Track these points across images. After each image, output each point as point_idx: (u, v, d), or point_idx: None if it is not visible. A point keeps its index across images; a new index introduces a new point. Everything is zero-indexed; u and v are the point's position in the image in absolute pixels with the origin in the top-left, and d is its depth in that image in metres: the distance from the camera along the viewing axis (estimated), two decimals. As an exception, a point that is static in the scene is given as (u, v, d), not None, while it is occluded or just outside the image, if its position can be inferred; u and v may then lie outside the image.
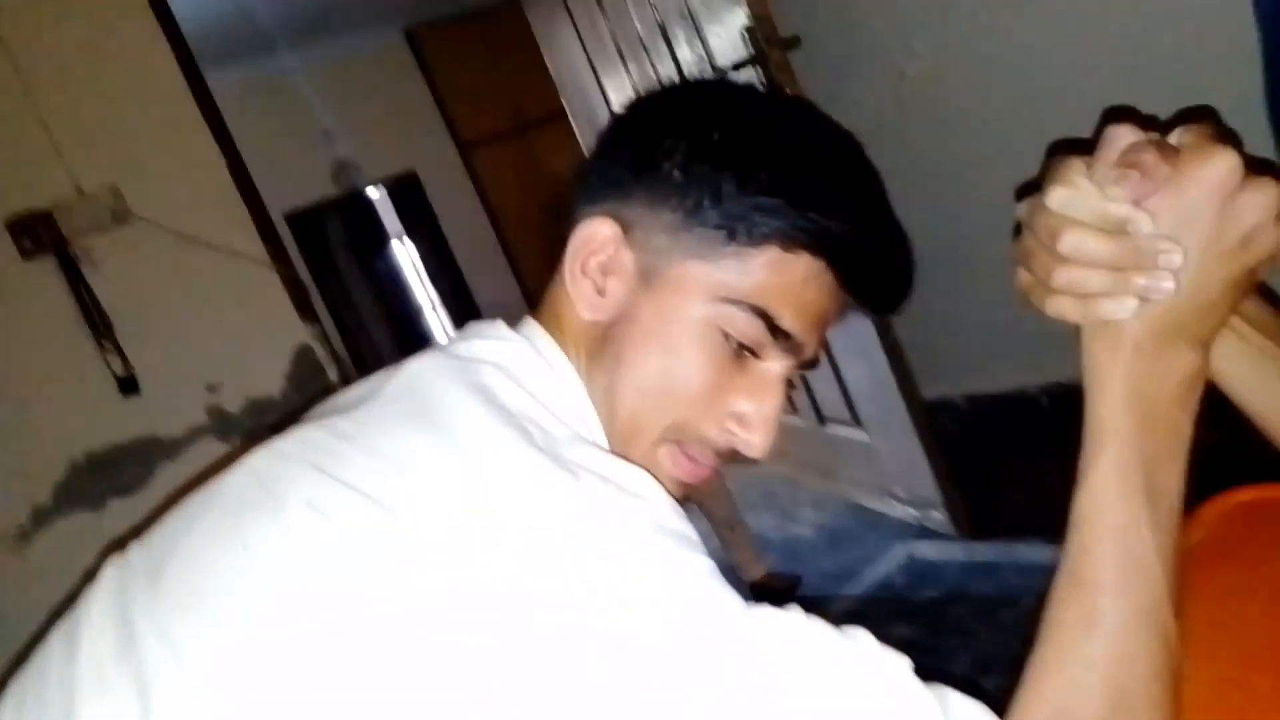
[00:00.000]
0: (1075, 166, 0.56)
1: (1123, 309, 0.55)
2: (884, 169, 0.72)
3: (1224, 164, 0.52)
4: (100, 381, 1.99)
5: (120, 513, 1.97)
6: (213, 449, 2.07)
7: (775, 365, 0.68)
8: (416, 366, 0.66)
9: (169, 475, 2.02)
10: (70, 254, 1.98)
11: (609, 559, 0.53)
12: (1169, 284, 0.53)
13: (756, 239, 0.65)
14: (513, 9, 3.60)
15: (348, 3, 4.53)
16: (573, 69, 3.29)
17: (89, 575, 0.65)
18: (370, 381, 0.69)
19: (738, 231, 0.65)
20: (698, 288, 0.65)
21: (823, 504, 2.95)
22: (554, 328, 0.71)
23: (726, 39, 2.34)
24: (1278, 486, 0.77)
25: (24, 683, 0.62)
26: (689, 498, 0.69)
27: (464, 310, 5.40)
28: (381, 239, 5.59)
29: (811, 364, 0.71)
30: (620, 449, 0.67)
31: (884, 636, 0.56)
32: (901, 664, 0.54)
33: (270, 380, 2.15)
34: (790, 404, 2.95)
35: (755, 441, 0.68)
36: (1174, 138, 0.56)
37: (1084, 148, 0.57)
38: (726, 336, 0.66)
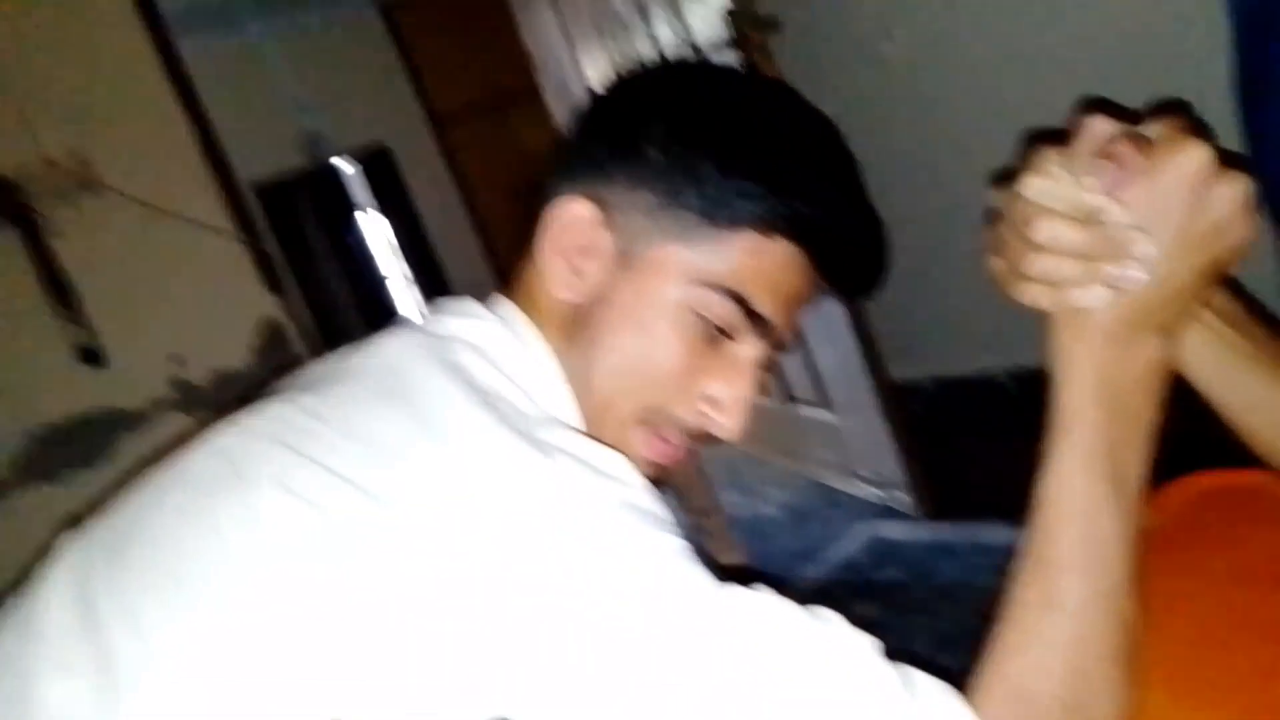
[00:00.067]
0: (1051, 156, 0.56)
1: (1094, 297, 0.56)
2: (860, 154, 0.72)
3: (1196, 157, 0.53)
4: (62, 352, 1.97)
5: (81, 485, 1.95)
6: (176, 422, 2.05)
7: (749, 349, 0.68)
8: (389, 343, 0.65)
9: (131, 447, 2.00)
10: (34, 223, 1.95)
11: (583, 539, 0.54)
12: (1140, 274, 0.54)
13: (735, 223, 0.65)
14: (489, -19, 3.56)
15: (321, -29, 4.47)
16: (549, 45, 3.26)
17: (44, 552, 0.63)
18: (339, 357, 0.68)
19: (716, 215, 0.65)
20: (674, 270, 0.66)
21: (789, 483, 2.97)
22: (528, 306, 0.70)
23: (706, 19, 2.33)
24: (1237, 472, 0.79)
25: None
26: (663, 482, 0.69)
27: (434, 285, 5.35)
28: (352, 212, 5.53)
29: (785, 347, 0.71)
30: (594, 430, 0.67)
31: (847, 615, 0.57)
32: (868, 644, 0.55)
33: (236, 353, 2.13)
34: (765, 387, 2.96)
35: (728, 424, 0.68)
36: (1147, 130, 0.56)
37: (1059, 138, 0.57)
38: (701, 319, 0.66)
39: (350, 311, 5.38)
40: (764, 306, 0.66)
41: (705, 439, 0.71)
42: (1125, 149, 0.54)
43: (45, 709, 0.54)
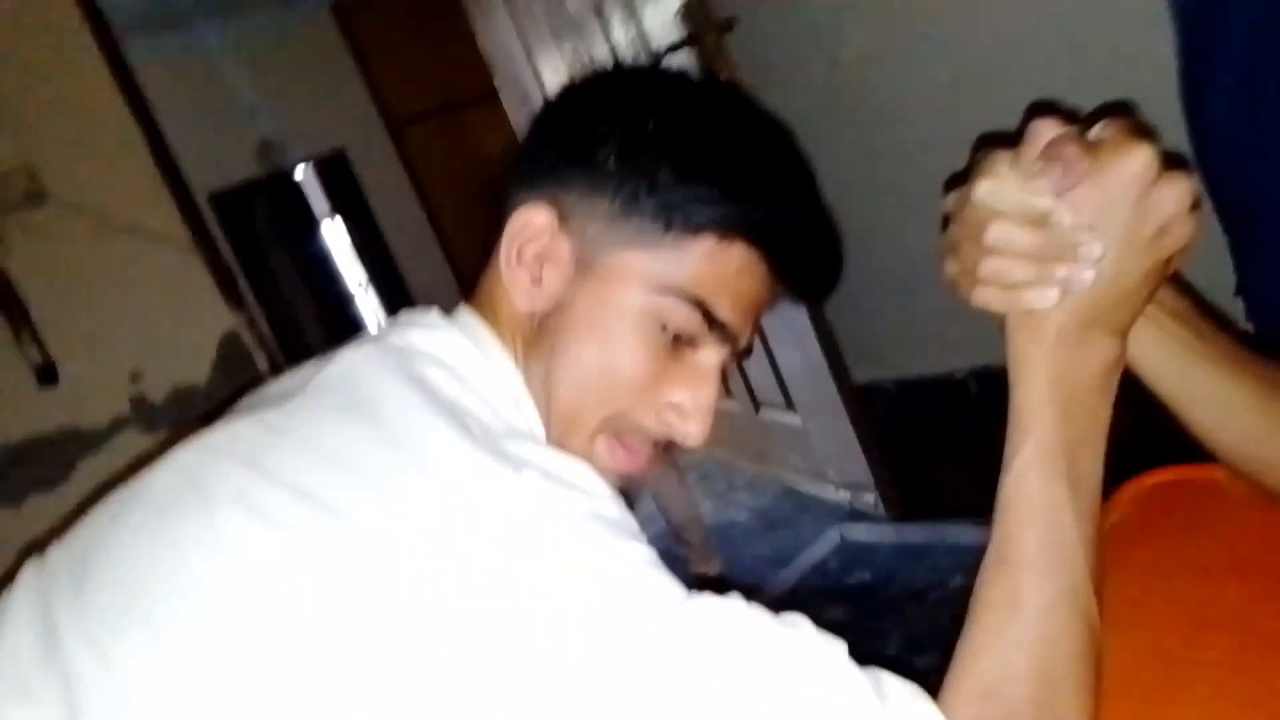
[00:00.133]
0: (1000, 159, 0.57)
1: (1045, 299, 0.56)
2: (816, 154, 0.72)
3: (1141, 158, 0.54)
4: (16, 371, 1.92)
5: (40, 507, 1.90)
6: (136, 440, 2.01)
7: (711, 355, 0.68)
8: (350, 357, 0.65)
9: (91, 468, 1.96)
10: (-18, 238, 1.91)
11: (551, 552, 0.53)
12: (1089, 274, 0.55)
13: (692, 228, 0.65)
14: (444, -15, 3.55)
15: (273, -23, 4.43)
16: (505, 48, 3.25)
17: (5, 578, 0.62)
18: (301, 372, 0.68)
19: (674, 221, 0.65)
20: (635, 278, 0.66)
21: (757, 488, 2.98)
22: (489, 316, 0.70)
23: (661, 20, 2.34)
24: (1190, 468, 0.80)
25: None
26: (630, 490, 0.69)
27: (395, 293, 5.32)
28: (310, 220, 5.48)
29: (746, 353, 0.71)
30: (558, 440, 0.67)
31: (817, 619, 0.57)
32: (838, 649, 0.55)
33: (196, 369, 2.09)
34: (725, 387, 2.98)
35: (692, 431, 0.68)
36: (1094, 132, 0.57)
37: (1009, 141, 0.58)
38: (663, 327, 0.66)
39: (310, 320, 5.33)
40: (724, 312, 0.66)
41: (669, 446, 0.71)
42: (1072, 151, 0.54)
43: None
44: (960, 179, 0.59)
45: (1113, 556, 0.78)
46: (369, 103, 5.21)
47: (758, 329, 0.72)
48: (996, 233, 0.56)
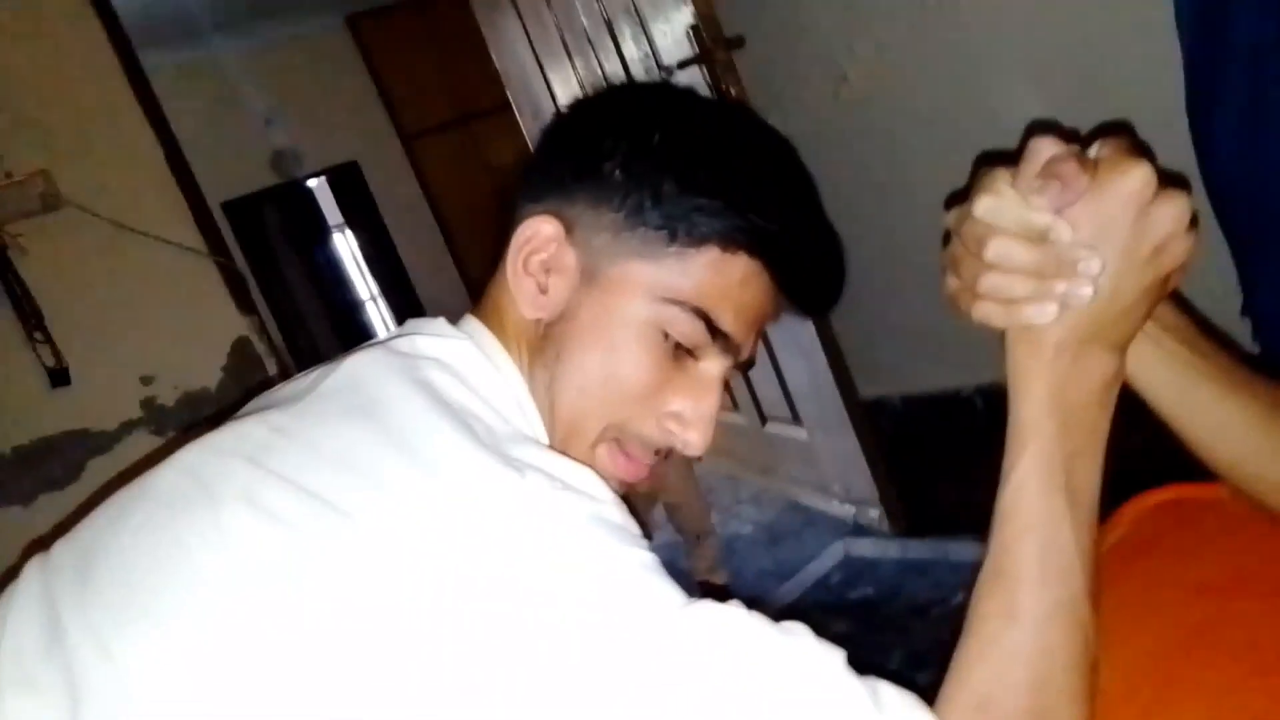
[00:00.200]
0: (1001, 177, 0.58)
1: (1044, 314, 0.57)
2: (825, 170, 0.73)
3: (1139, 177, 0.55)
4: (30, 373, 1.94)
5: (50, 508, 1.92)
6: (146, 443, 2.02)
7: (713, 365, 0.69)
8: (357, 362, 0.66)
9: (101, 469, 1.97)
10: (1, 243, 1.93)
11: (554, 555, 0.54)
12: (1088, 290, 0.56)
13: (697, 240, 0.66)
14: None
15: (290, -12, 4.47)
16: (517, 62, 3.27)
17: (10, 573, 0.63)
18: (309, 376, 0.69)
19: (679, 232, 0.66)
20: (639, 288, 0.66)
21: (763, 501, 2.98)
22: (496, 325, 0.71)
23: (672, 37, 2.35)
24: (1192, 486, 0.81)
25: None
26: (631, 497, 0.70)
27: (405, 303, 5.34)
28: (321, 229, 5.51)
29: (748, 364, 0.72)
30: (561, 446, 0.68)
31: (820, 633, 0.57)
32: (836, 658, 0.56)
33: (206, 373, 2.11)
34: (732, 401, 2.98)
35: (693, 440, 0.69)
36: (1093, 151, 0.58)
37: (1009, 159, 0.59)
38: (666, 336, 0.67)
39: (320, 328, 5.35)
40: (727, 323, 0.67)
41: (671, 455, 0.71)
42: (1071, 169, 0.55)
43: None
44: (961, 196, 0.60)
45: (1114, 573, 0.78)
46: (382, 114, 5.24)
47: (760, 341, 0.72)
48: (996, 249, 0.57)
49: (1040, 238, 0.56)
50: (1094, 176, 0.55)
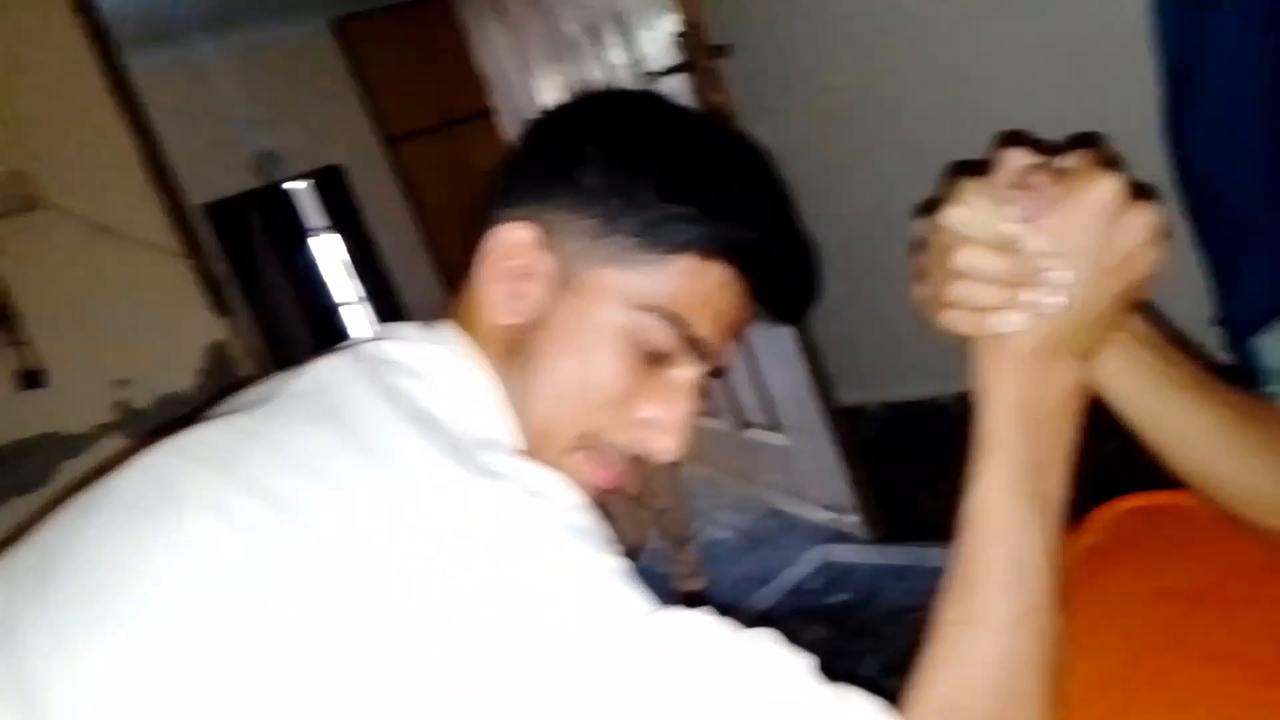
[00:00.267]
0: (971, 186, 0.58)
1: (1013, 323, 0.57)
2: (808, 178, 0.73)
3: (1108, 187, 0.55)
4: (3, 374, 1.93)
5: (21, 511, 1.89)
6: (120, 446, 2.01)
7: (687, 372, 0.69)
8: (324, 366, 0.65)
9: (74, 473, 1.96)
10: (-26, 242, 1.91)
11: (520, 561, 0.54)
12: (1056, 300, 0.56)
13: (672, 247, 0.66)
14: (443, 3, 3.56)
15: (274, -11, 4.45)
16: (502, 67, 3.27)
17: None
18: (274, 381, 0.68)
19: (654, 239, 0.66)
20: (613, 294, 0.66)
21: (742, 507, 2.98)
22: (469, 329, 0.70)
23: (656, 44, 2.36)
24: (1162, 494, 0.81)
25: None
26: (605, 503, 0.70)
27: (388, 307, 5.31)
28: (304, 233, 5.48)
29: (722, 372, 0.72)
30: (535, 453, 0.67)
31: (797, 639, 0.57)
32: (805, 665, 0.56)
33: (182, 376, 2.09)
34: (713, 406, 2.98)
35: (666, 447, 0.69)
36: (1063, 161, 0.58)
37: (980, 168, 0.59)
38: (640, 344, 0.66)
39: (301, 333, 5.32)
40: (701, 330, 0.67)
41: (644, 461, 0.71)
42: (1041, 179, 0.56)
43: None
44: (931, 205, 0.60)
45: (1084, 580, 0.79)
46: (366, 118, 5.22)
47: (741, 347, 0.72)
48: (966, 258, 0.57)
49: (1009, 247, 0.56)
50: (1064, 186, 0.56)
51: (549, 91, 3.00)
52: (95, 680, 0.53)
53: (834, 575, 2.38)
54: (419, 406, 0.61)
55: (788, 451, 2.67)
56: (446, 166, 5.16)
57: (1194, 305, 1.21)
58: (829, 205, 1.99)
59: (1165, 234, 0.57)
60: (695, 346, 0.67)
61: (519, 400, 0.68)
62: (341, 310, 5.57)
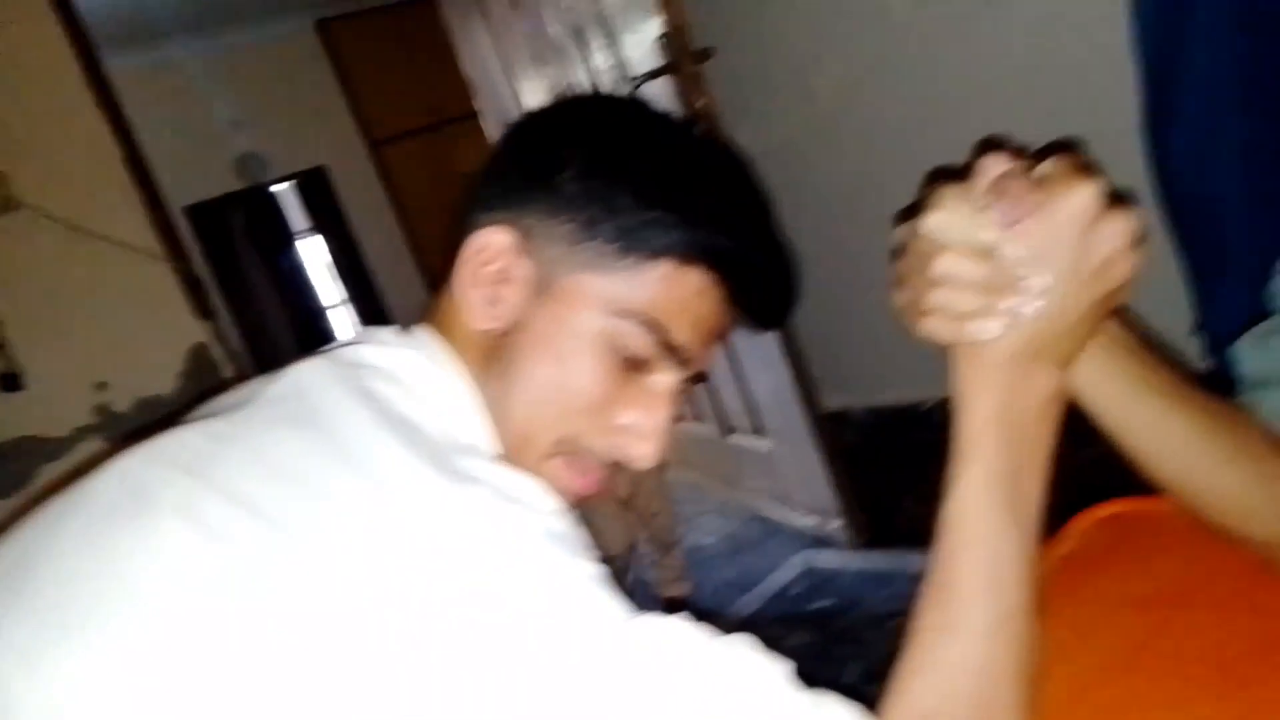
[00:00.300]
0: (950, 192, 0.58)
1: (990, 330, 0.57)
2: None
3: (1085, 194, 0.55)
4: (-21, 377, 1.91)
5: (-2, 514, 1.89)
6: (99, 450, 2.00)
7: (665, 378, 0.69)
8: (302, 371, 0.65)
9: (52, 476, 1.94)
10: (-49, 243, 1.90)
11: (497, 567, 0.53)
12: (1033, 306, 0.56)
13: (651, 253, 0.66)
14: (427, 5, 3.55)
15: (257, -9, 4.43)
16: (486, 70, 3.27)
17: None
18: (252, 385, 0.68)
19: (633, 245, 0.66)
20: (591, 299, 0.66)
21: (725, 512, 2.98)
22: (447, 334, 0.70)
23: (641, 48, 2.36)
24: (1141, 501, 0.82)
25: None
26: (583, 508, 0.69)
27: (371, 310, 5.30)
28: (288, 235, 5.46)
29: (701, 378, 0.72)
30: (512, 458, 0.67)
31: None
32: (781, 670, 0.56)
33: (162, 379, 2.08)
34: (696, 412, 2.98)
35: (645, 453, 0.69)
36: (1042, 168, 0.58)
37: (959, 174, 0.59)
38: (618, 349, 0.66)
39: (286, 336, 5.29)
40: (679, 336, 0.67)
41: (623, 467, 0.71)
42: (1019, 186, 0.56)
43: None
44: (911, 211, 0.60)
45: (1063, 586, 0.79)
46: (350, 119, 5.21)
47: (725, 353, 0.72)
48: (944, 264, 0.57)
49: (987, 254, 0.57)
50: (1042, 194, 0.56)
51: (533, 94, 3.00)
52: (62, 695, 0.52)
53: (817, 581, 2.38)
54: (398, 412, 0.61)
55: (771, 457, 2.67)
56: (431, 169, 5.15)
57: (1175, 312, 1.22)
58: (813, 210, 2.00)
59: (1142, 241, 0.57)
60: (673, 352, 0.67)
61: (497, 406, 0.67)
62: (326, 313, 5.54)
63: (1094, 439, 0.68)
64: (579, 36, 2.64)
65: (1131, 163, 1.18)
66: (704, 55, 2.15)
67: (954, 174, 0.60)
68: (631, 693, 0.52)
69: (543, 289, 0.67)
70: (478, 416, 0.67)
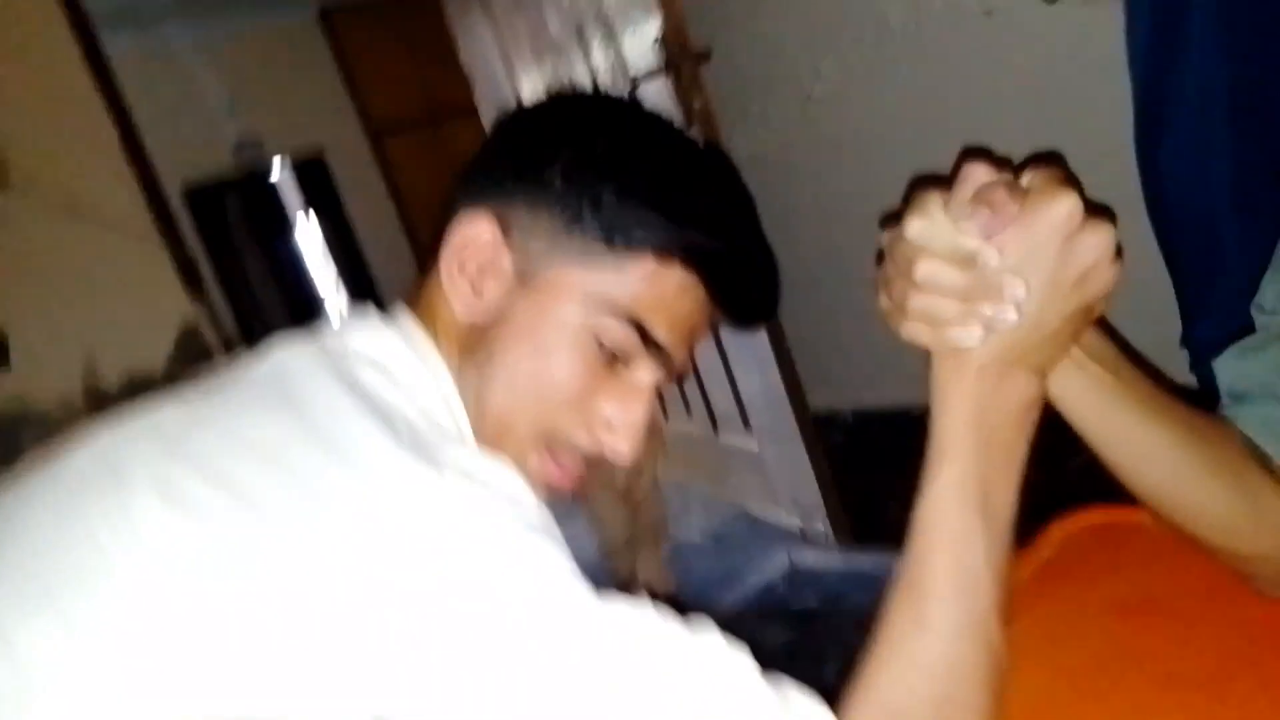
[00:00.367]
0: (932, 200, 0.59)
1: (970, 336, 0.58)
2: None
3: (1066, 205, 0.56)
4: (-32, 351, 1.91)
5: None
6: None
7: (645, 374, 0.69)
8: (284, 353, 0.65)
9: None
10: (-56, 217, 1.89)
11: (471, 555, 0.54)
12: (1012, 315, 0.57)
13: (634, 250, 0.66)
14: (430, -1, 3.55)
15: (261, -24, 4.42)
16: (485, 63, 3.26)
17: None
18: (234, 364, 0.67)
19: (616, 241, 0.66)
20: (573, 293, 0.67)
21: (712, 509, 2.98)
22: (428, 322, 0.70)
23: (640, 47, 2.36)
24: (1118, 510, 0.82)
25: None
26: (560, 501, 0.70)
27: (365, 297, 5.29)
28: (284, 220, 5.45)
29: (681, 375, 0.72)
30: (490, 447, 0.67)
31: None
32: (744, 660, 0.56)
33: (152, 358, 2.08)
34: (685, 409, 2.99)
35: (622, 448, 0.69)
36: (1024, 179, 0.59)
37: (943, 182, 0.60)
38: (599, 344, 0.67)
39: (279, 319, 5.29)
40: (660, 332, 0.67)
41: (599, 462, 0.71)
42: (1001, 196, 0.56)
43: None
44: (895, 216, 0.61)
45: (1038, 594, 0.80)
46: (350, 106, 5.20)
47: (695, 354, 0.73)
48: (925, 270, 0.58)
49: (968, 262, 0.57)
50: (1023, 204, 0.56)
51: (532, 90, 3.00)
52: (36, 673, 0.51)
53: (801, 580, 2.39)
54: (377, 398, 0.61)
55: (758, 456, 2.68)
56: (431, 160, 5.13)
57: (1165, 324, 1.23)
58: (806, 213, 2.01)
59: (1120, 253, 0.58)
60: (653, 350, 0.68)
61: (477, 395, 0.68)
62: (322, 299, 5.54)
63: (1080, 448, 0.69)
64: (579, 34, 2.64)
65: (1124, 175, 1.19)
66: (702, 57, 2.15)
67: (938, 181, 0.60)
68: (599, 679, 0.53)
69: (525, 281, 0.68)
70: (457, 405, 0.67)
